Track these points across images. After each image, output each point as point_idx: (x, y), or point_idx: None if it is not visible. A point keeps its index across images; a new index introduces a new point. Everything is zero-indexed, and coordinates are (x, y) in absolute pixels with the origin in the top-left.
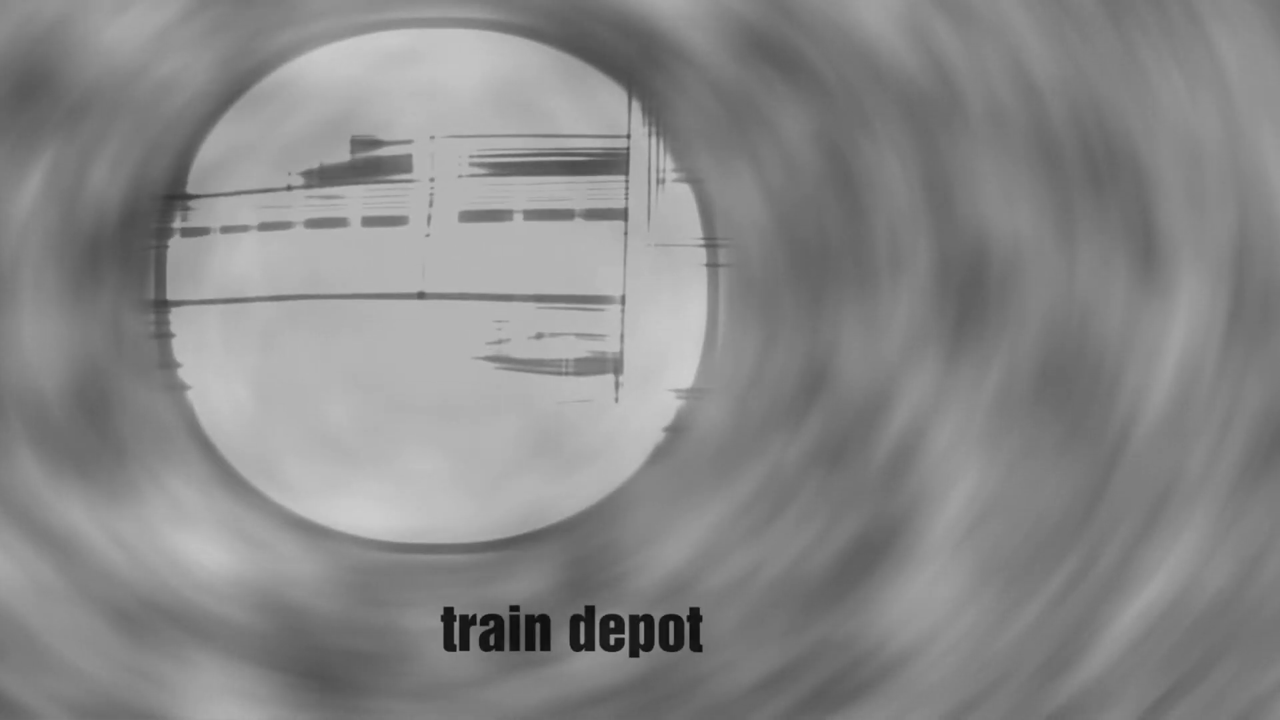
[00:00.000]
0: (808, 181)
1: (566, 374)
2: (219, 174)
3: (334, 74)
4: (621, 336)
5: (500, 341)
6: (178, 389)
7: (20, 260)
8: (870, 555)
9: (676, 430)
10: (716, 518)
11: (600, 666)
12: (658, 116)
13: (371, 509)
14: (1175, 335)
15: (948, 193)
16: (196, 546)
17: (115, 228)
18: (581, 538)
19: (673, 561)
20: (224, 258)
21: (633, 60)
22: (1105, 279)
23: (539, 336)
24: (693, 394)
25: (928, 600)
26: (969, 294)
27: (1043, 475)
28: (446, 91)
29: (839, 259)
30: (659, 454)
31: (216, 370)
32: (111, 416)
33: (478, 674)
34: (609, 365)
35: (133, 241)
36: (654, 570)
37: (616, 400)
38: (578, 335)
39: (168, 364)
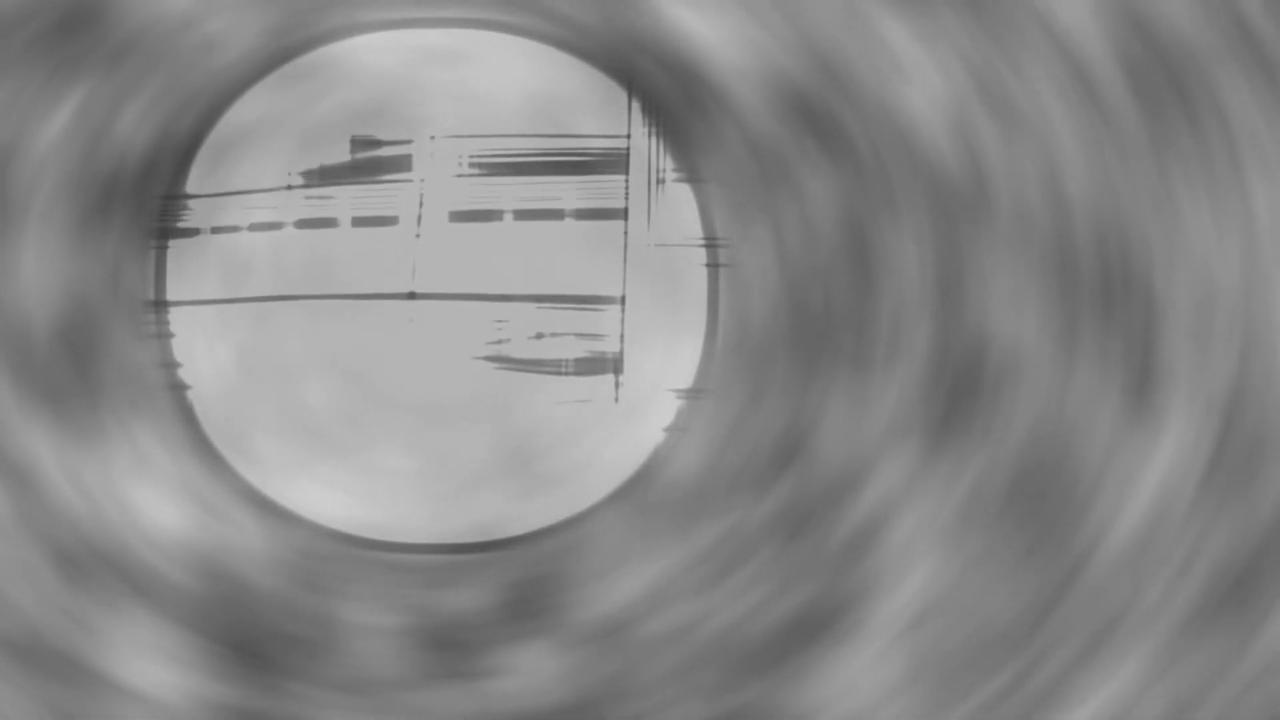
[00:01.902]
0: (823, 250)
1: (566, 374)
2: (242, 142)
3: (374, 62)
4: (621, 336)
5: (500, 342)
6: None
7: (34, 190)
8: (812, 629)
9: (676, 430)
10: (669, 565)
11: (527, 690)
12: (695, 163)
13: (331, 497)
14: (1154, 470)
15: (959, 286)
16: (152, 502)
17: (133, 175)
18: (532, 560)
19: (617, 600)
20: (224, 257)
21: (673, 98)
22: (1097, 401)
23: (539, 336)
24: (692, 394)
25: (860, 684)
26: (960, 391)
27: (995, 583)
28: (481, 97)
29: (839, 332)
30: (625, 490)
31: (205, 333)
32: (94, 359)
33: (404, 676)
34: (609, 365)
35: (147, 192)
36: (596, 606)
37: (616, 400)
38: (578, 335)
39: (168, 364)
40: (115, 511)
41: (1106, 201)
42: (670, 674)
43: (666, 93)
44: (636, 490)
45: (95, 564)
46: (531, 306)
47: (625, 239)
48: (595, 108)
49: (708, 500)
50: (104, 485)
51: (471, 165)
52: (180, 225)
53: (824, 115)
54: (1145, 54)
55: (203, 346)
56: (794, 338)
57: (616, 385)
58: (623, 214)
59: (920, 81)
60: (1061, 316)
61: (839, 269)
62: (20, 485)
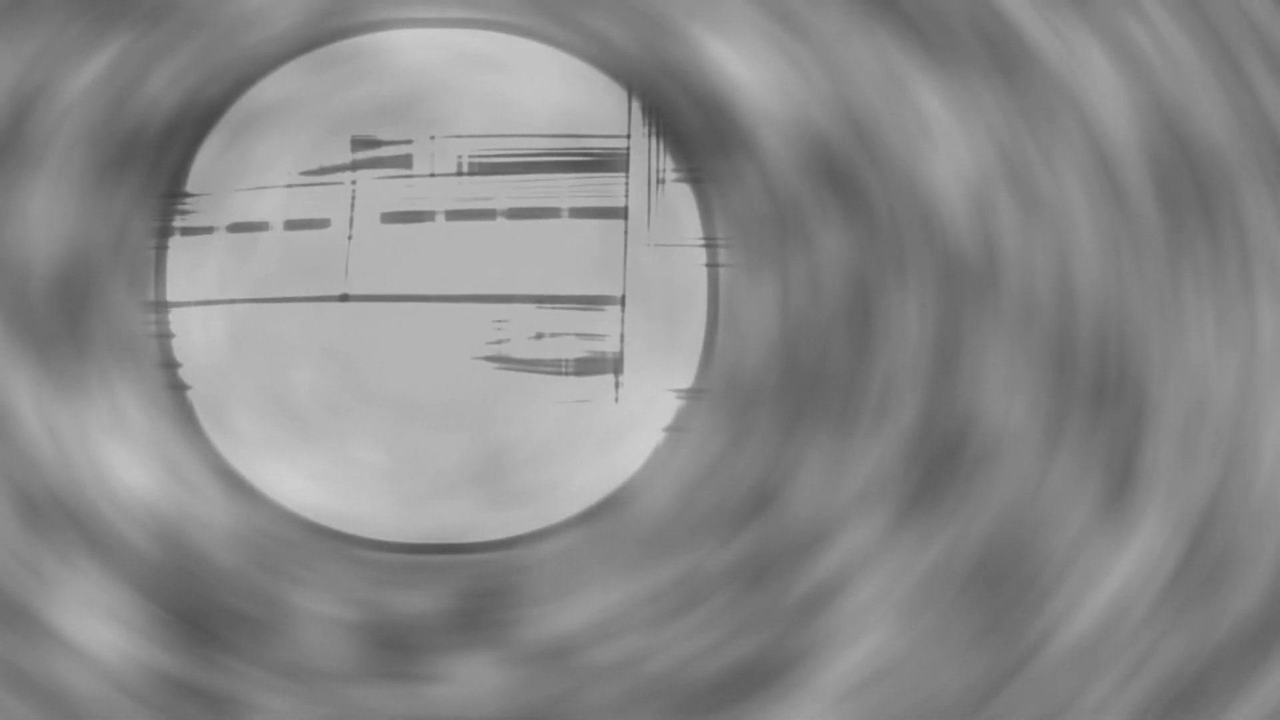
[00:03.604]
0: (826, 307)
1: (566, 374)
2: (264, 120)
3: (409, 58)
4: (621, 336)
5: (500, 342)
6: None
7: (54, 138)
8: (757, 680)
9: (675, 430)
10: (624, 597)
11: (466, 700)
12: (719, 210)
13: (301, 482)
14: (1118, 571)
15: (954, 361)
16: (123, 461)
17: (154, 137)
18: (489, 571)
19: (568, 624)
20: (224, 258)
21: (699, 134)
22: (1072, 495)
23: (539, 336)
24: (692, 394)
25: None
26: (938, 466)
27: (945, 659)
28: (510, 105)
29: (829, 390)
30: (592, 515)
31: (201, 299)
32: (87, 313)
33: (346, 669)
34: (609, 365)
35: (165, 155)
36: (546, 626)
37: (616, 400)
38: (578, 335)
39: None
40: (85, 466)
41: (1114, 299)
42: (610, 705)
43: (691, 125)
44: (604, 517)
45: (57, 514)
46: (531, 306)
47: (625, 239)
48: (616, 128)
49: (672, 537)
50: (78, 438)
51: (471, 165)
52: (185, 225)
53: (846, 173)
54: (1175, 157)
55: (196, 316)
56: (783, 389)
57: (616, 385)
58: (623, 214)
59: (946, 152)
60: (1051, 406)
61: (838, 327)
62: None
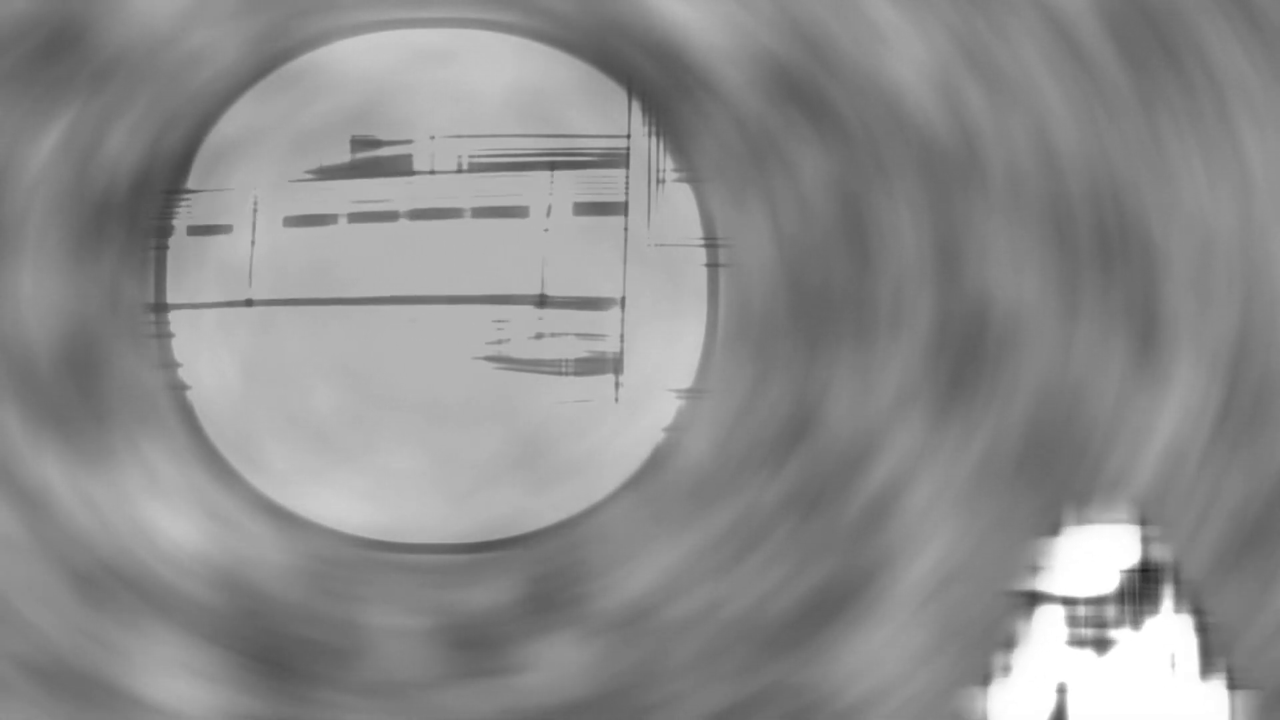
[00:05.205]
0: (819, 227)
1: (566, 374)
2: (233, 153)
3: (360, 66)
4: (621, 337)
5: (500, 342)
6: (171, 371)
7: (28, 215)
8: (833, 605)
9: (675, 430)
10: (686, 550)
11: (553, 683)
12: (667, 127)
13: (345, 501)
14: (1164, 422)
15: (956, 253)
16: (166, 518)
17: (125, 193)
18: (550, 553)
19: (637, 588)
20: (224, 257)
21: (660, 85)
22: (1102, 358)
23: (539, 337)
24: (692, 394)
25: (885, 656)
26: (964, 357)
27: (1014, 547)
28: (470, 94)
29: (840, 307)
30: (638, 478)
31: (209, 346)
32: (98, 380)
33: (430, 676)
34: (609, 365)
35: (140, 210)
36: (617, 594)
37: (616, 400)
38: (578, 335)
39: (168, 364)
40: (130, 530)
41: (1098, 158)
42: (694, 658)
43: (654, 80)
44: (648, 478)
45: (114, 584)
46: (531, 306)
47: (625, 239)
48: (583, 100)
49: (721, 482)
50: (116, 504)
51: (471, 165)
52: (186, 225)
53: (811, 91)
54: (1128, 9)
55: (206, 359)
56: (795, 317)
57: (616, 385)
58: (623, 214)
59: (902, 51)
60: (1061, 276)
61: (835, 245)
62: (34, 509)
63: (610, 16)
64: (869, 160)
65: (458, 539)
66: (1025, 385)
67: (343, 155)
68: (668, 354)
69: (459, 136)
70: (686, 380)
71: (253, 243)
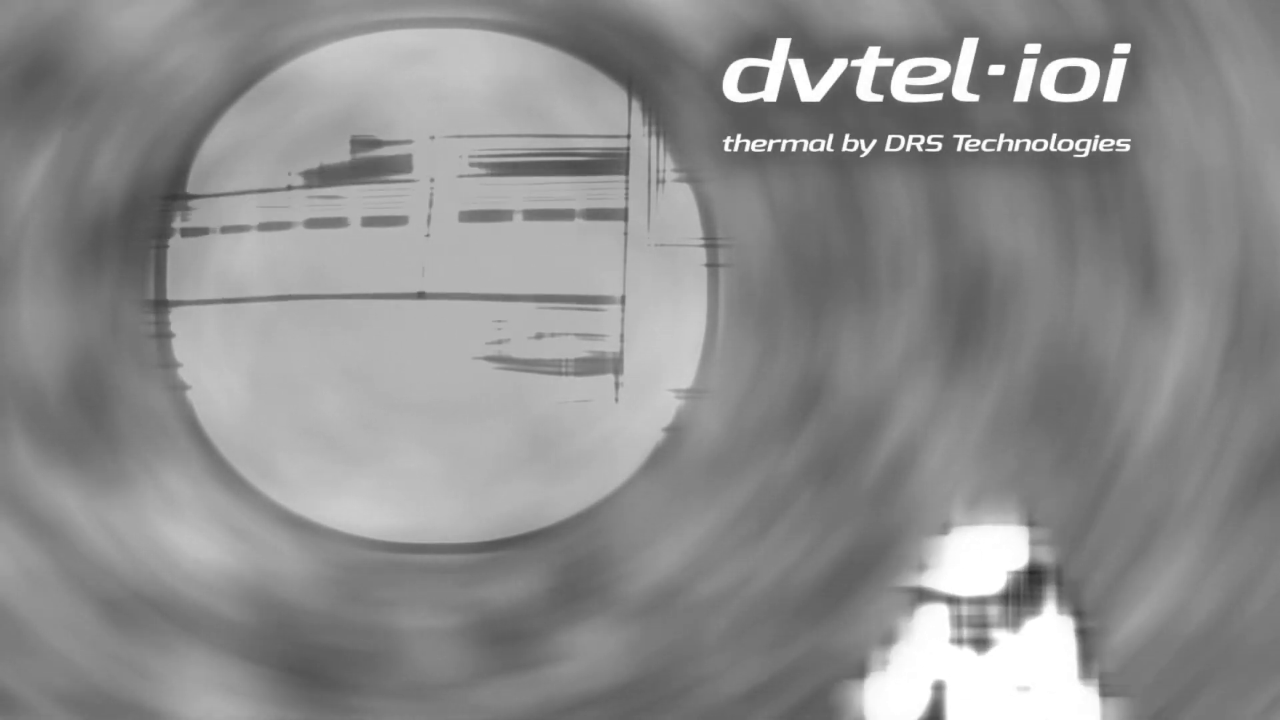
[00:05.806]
0: (812, 193)
1: (566, 374)
2: (223, 168)
3: (341, 71)
4: (621, 336)
5: (500, 341)
6: (176, 386)
7: (21, 248)
8: (863, 567)
9: (675, 430)
10: (708, 527)
11: (587, 671)
12: (661, 120)
13: (363, 507)
14: (1173, 360)
15: (951, 209)
16: (187, 539)
17: (117, 218)
18: (572, 543)
19: (663, 569)
20: (224, 257)
21: (638, 65)
22: (1105, 302)
23: (539, 336)
24: (692, 394)
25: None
26: (968, 311)
27: (1035, 496)
28: (452, 92)
29: (840, 272)
30: (653, 461)
31: (212, 363)
32: (107, 406)
33: (464, 675)
34: (609, 365)
35: (134, 233)
36: (644, 577)
37: (616, 400)
38: (578, 335)
39: (168, 363)
40: (151, 553)
41: (1082, 99)
42: (726, 634)
43: (634, 61)
44: (664, 458)
45: (140, 608)
46: (532, 306)
47: (625, 239)
48: (564, 90)
49: (737, 456)
50: (136, 529)
51: (472, 165)
52: (185, 225)
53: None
54: None
55: (212, 378)
56: (797, 283)
57: (616, 385)
58: (623, 214)
59: (878, 3)
60: (1057, 224)
61: (830, 209)
62: (54, 541)
63: (582, 2)
64: (854, 118)
65: (479, 536)
66: (1031, 334)
67: (342, 157)
68: (668, 354)
69: (460, 136)
70: (687, 380)
71: (427, 234)
